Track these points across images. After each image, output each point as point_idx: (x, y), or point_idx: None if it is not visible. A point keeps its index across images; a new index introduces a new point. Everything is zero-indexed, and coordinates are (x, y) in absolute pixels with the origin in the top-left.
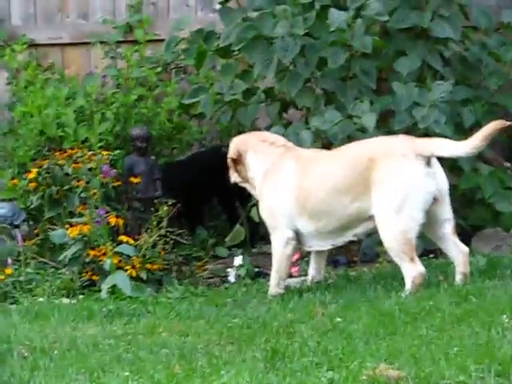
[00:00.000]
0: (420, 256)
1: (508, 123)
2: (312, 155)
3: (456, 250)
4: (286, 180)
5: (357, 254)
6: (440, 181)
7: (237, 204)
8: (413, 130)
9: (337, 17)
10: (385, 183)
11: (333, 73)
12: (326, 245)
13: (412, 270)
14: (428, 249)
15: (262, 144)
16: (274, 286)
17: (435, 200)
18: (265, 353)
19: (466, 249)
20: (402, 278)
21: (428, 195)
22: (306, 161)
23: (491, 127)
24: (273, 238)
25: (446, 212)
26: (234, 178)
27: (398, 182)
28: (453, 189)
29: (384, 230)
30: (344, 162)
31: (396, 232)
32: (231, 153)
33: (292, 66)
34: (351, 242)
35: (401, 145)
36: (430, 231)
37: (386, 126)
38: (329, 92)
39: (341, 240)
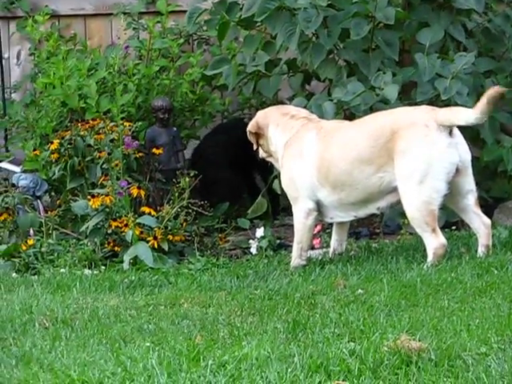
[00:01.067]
0: (442, 228)
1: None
2: (334, 126)
3: (478, 222)
4: (307, 150)
5: (379, 226)
6: (462, 151)
7: (256, 176)
8: (435, 102)
9: None
10: (408, 154)
11: (355, 44)
12: (348, 216)
13: (434, 242)
14: (450, 221)
15: (283, 117)
16: (296, 257)
17: (458, 171)
18: (286, 324)
19: (488, 221)
20: (424, 250)
21: (451, 166)
22: (327, 131)
23: (490, 93)
24: (294, 210)
25: (469, 183)
26: (260, 153)
27: (421, 152)
28: (475, 161)
29: (407, 201)
30: (366, 133)
31: (419, 202)
32: (250, 126)
33: (315, 38)
34: (373, 215)
35: (423, 115)
36: (453, 202)
37: (408, 97)
38: (351, 63)
39: (363, 212)
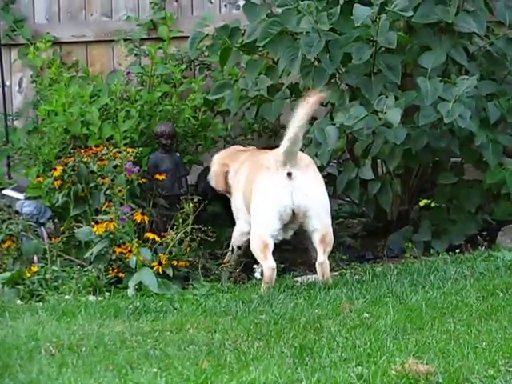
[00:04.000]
0: (446, 251)
1: None
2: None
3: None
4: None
5: (383, 250)
6: (298, 196)
7: None
8: (438, 125)
9: (361, 12)
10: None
11: (357, 68)
12: None
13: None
14: (454, 244)
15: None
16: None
17: (295, 214)
18: (293, 348)
19: (321, 260)
20: (429, 273)
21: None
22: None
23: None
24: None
25: (312, 225)
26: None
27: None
28: (479, 183)
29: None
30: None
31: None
32: None
33: (317, 62)
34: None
35: (271, 158)
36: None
37: (410, 121)
38: (353, 87)
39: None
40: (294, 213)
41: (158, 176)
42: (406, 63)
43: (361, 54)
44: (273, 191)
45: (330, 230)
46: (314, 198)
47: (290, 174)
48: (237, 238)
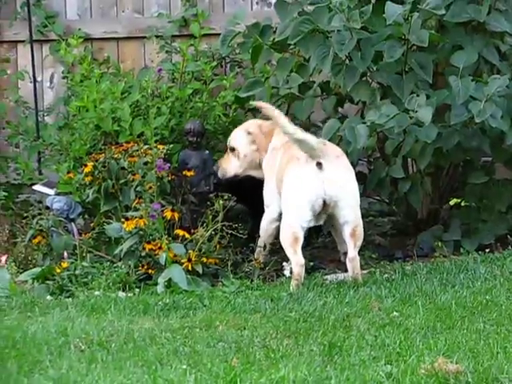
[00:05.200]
0: (476, 250)
1: None
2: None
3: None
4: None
5: (412, 249)
6: (329, 186)
7: None
8: (469, 124)
9: (393, 10)
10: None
11: (389, 67)
12: None
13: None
14: (484, 243)
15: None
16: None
17: (326, 204)
18: (322, 346)
19: (352, 255)
20: (458, 273)
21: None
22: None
23: None
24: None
25: (343, 216)
26: None
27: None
28: (509, 183)
29: None
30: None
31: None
32: None
33: (348, 60)
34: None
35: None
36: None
37: (442, 120)
38: (385, 86)
39: None
40: (325, 203)
41: (185, 172)
42: (437, 62)
43: (392, 53)
44: (303, 181)
45: (361, 222)
46: (345, 188)
47: (319, 164)
48: (265, 226)
